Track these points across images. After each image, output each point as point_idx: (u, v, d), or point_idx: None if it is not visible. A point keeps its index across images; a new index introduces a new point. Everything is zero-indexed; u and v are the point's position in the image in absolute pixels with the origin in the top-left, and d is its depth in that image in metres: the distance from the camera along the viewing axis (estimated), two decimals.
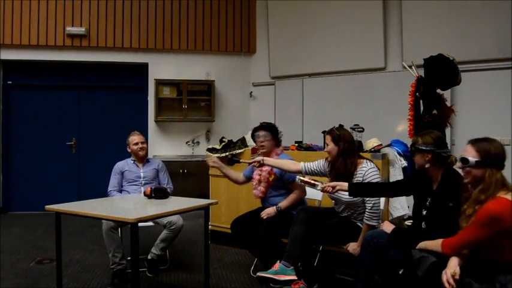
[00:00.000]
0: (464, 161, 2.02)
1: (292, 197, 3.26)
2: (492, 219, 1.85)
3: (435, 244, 2.10)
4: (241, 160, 3.37)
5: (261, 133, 3.37)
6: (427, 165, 2.36)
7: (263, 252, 3.24)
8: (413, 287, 2.18)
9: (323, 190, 2.76)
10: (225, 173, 3.53)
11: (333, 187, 2.70)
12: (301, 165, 3.09)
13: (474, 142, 2.05)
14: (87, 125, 6.47)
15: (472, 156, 2.00)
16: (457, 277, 1.90)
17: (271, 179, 3.29)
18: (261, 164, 3.18)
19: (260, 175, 3.34)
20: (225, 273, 3.54)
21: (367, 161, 2.93)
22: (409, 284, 2.22)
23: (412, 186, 2.57)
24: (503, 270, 1.89)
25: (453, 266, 1.95)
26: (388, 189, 2.80)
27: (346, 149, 2.88)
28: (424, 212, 2.39)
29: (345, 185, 2.68)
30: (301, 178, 2.84)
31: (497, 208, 1.86)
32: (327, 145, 2.96)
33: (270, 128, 3.40)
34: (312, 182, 2.80)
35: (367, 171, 2.84)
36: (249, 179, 3.51)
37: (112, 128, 6.39)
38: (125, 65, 6.42)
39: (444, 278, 1.92)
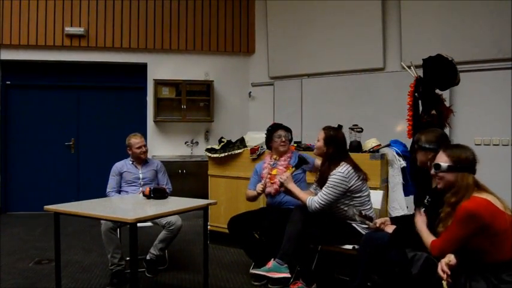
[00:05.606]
0: (437, 166, 2.11)
1: (303, 194, 3.00)
2: (469, 216, 1.93)
3: (426, 237, 2.14)
4: None
5: (283, 133, 3.46)
6: (429, 163, 2.37)
7: (261, 251, 3.23)
8: (409, 285, 2.19)
9: (375, 227, 2.66)
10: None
11: (383, 223, 2.64)
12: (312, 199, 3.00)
13: (445, 149, 2.14)
14: (86, 125, 6.46)
15: (444, 162, 2.09)
16: (452, 263, 1.90)
17: (289, 171, 3.10)
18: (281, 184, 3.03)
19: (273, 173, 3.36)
20: (224, 274, 3.54)
21: (344, 164, 2.85)
22: (405, 282, 2.22)
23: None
24: (496, 270, 1.92)
25: (448, 256, 1.96)
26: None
27: (333, 154, 2.89)
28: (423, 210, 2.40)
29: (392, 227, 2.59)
30: (362, 212, 2.76)
31: (472, 205, 1.95)
32: (317, 140, 2.98)
33: (289, 130, 3.56)
34: (369, 216, 2.77)
35: (334, 173, 2.81)
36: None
37: (111, 129, 6.38)
38: (124, 65, 6.40)
39: (439, 267, 1.93)
